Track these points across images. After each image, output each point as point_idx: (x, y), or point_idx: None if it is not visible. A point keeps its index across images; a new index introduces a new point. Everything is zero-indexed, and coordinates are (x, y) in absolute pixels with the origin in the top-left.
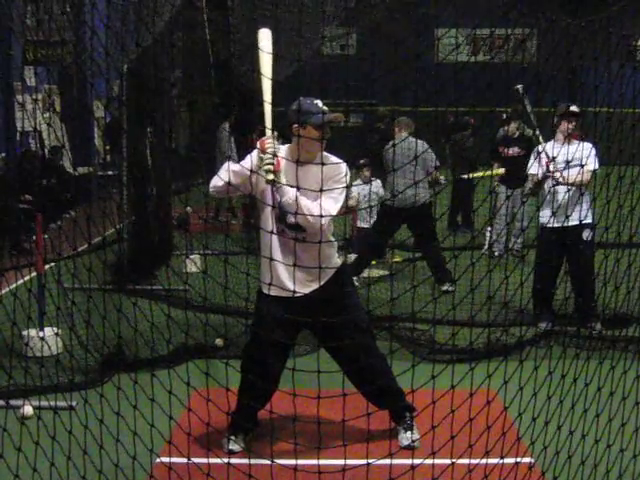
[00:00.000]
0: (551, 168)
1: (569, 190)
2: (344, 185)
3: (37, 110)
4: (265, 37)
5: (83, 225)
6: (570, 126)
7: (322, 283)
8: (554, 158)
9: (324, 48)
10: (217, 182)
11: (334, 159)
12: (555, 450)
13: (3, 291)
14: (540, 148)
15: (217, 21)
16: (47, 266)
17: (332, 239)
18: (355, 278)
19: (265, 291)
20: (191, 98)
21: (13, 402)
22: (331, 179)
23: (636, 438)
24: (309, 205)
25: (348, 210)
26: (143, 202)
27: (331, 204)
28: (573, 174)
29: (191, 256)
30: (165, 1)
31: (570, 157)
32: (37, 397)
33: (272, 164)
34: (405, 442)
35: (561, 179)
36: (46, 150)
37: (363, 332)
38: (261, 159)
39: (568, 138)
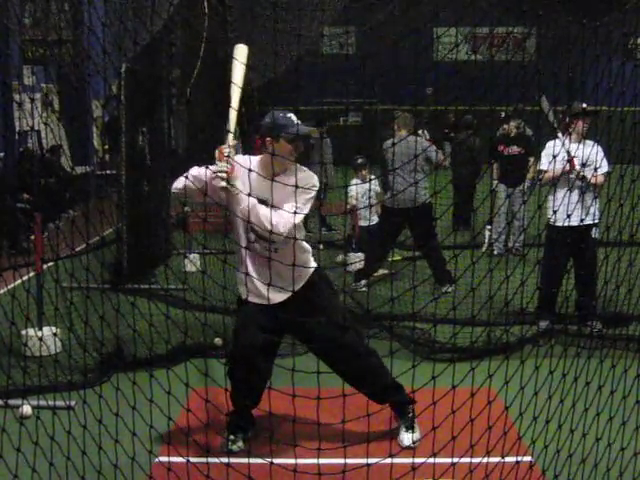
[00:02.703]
0: (577, 166)
1: (584, 190)
2: (310, 196)
3: (35, 109)
4: (241, 52)
5: (81, 225)
6: (585, 125)
7: (297, 288)
8: (571, 157)
9: (323, 47)
10: (178, 184)
11: (306, 171)
12: (556, 449)
13: (1, 291)
14: (551, 145)
15: (215, 19)
16: (45, 266)
17: (304, 245)
18: (364, 281)
19: (243, 297)
20: (190, 97)
21: (12, 402)
22: (299, 189)
23: (636, 437)
24: (267, 213)
25: (349, 209)
26: (142, 201)
27: (290, 213)
28: (589, 175)
29: (190, 255)
30: None
31: (586, 158)
32: (36, 397)
33: (225, 171)
34: (406, 442)
35: (589, 177)
36: (44, 149)
37: (344, 332)
38: (218, 165)
39: (580, 137)
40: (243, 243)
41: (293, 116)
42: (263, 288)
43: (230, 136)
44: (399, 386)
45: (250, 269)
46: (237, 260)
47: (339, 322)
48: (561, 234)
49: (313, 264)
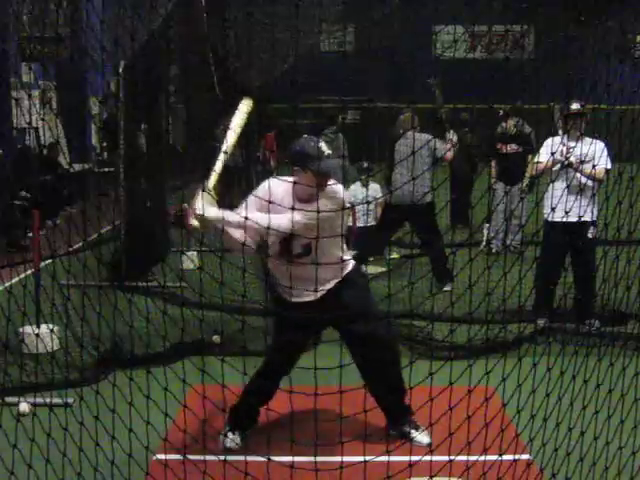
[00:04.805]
0: (572, 157)
1: (582, 187)
2: (323, 211)
3: (33, 107)
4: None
5: (79, 222)
6: (581, 126)
7: (332, 285)
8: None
9: (322, 44)
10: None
11: (335, 196)
12: (554, 447)
13: None
14: (549, 142)
15: (213, 16)
16: (43, 263)
17: (339, 248)
18: None
19: (284, 297)
20: (188, 94)
21: (9, 399)
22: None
23: (635, 435)
24: (257, 217)
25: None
26: (140, 199)
27: (284, 218)
28: (587, 170)
29: (188, 253)
30: None
31: (584, 155)
32: (33, 394)
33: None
34: (427, 440)
35: (581, 167)
36: (43, 146)
37: (383, 326)
38: None
39: (580, 136)
40: (283, 259)
41: (323, 146)
42: (296, 290)
43: (212, 179)
44: (404, 392)
45: (283, 277)
46: (270, 268)
47: (378, 315)
48: (557, 230)
49: (351, 260)
